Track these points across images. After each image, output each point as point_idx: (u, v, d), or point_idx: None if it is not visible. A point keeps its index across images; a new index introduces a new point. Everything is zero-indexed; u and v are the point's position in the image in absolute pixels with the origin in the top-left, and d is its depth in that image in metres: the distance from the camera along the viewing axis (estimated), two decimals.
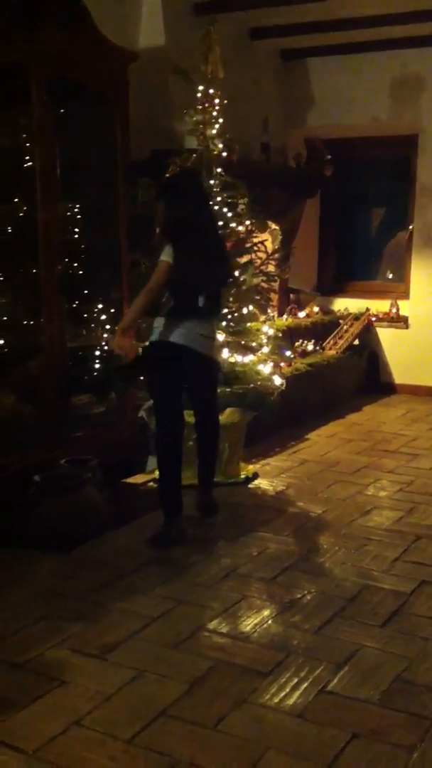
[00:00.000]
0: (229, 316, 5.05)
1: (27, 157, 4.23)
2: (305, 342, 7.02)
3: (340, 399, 7.10)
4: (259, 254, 5.28)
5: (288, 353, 6.41)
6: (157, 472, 4.23)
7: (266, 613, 3.33)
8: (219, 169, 5.00)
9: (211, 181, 4.93)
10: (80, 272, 4.65)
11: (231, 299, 5.03)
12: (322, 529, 4.28)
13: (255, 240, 5.25)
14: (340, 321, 7.61)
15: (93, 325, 4.91)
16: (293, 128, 7.65)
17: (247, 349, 5.22)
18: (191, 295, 3.98)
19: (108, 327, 4.86)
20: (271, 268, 5.36)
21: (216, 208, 4.89)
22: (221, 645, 3.07)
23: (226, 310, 5.02)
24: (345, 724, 2.58)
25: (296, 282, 7.69)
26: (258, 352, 5.27)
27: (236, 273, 5.00)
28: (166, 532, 4.00)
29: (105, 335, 4.80)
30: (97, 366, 4.80)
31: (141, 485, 4.81)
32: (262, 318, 5.70)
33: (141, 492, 4.73)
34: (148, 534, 4.03)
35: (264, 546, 4.02)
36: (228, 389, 4.95)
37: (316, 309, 7.71)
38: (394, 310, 7.69)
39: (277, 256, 5.45)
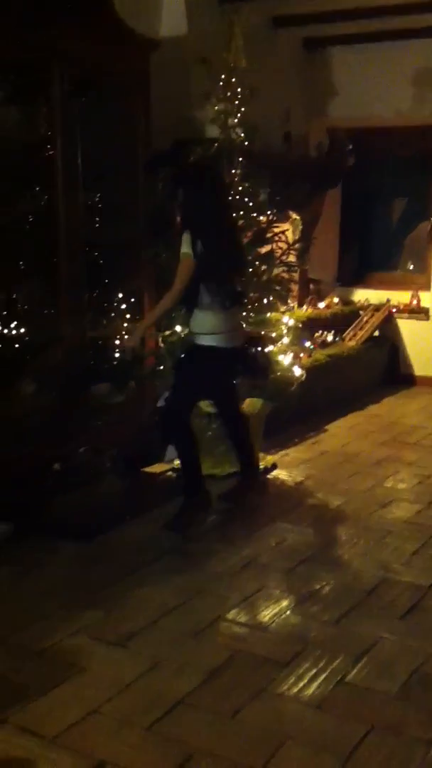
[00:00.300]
0: (250, 307, 5.04)
1: (49, 149, 4.23)
2: (325, 333, 6.98)
3: (360, 390, 7.06)
4: (280, 244, 5.25)
5: (308, 344, 6.39)
6: (176, 462, 4.27)
7: (285, 603, 3.34)
8: (240, 159, 4.98)
9: (233, 171, 4.90)
10: (101, 262, 4.65)
11: (251, 289, 5.01)
12: (341, 521, 4.28)
13: (276, 230, 5.23)
14: (361, 312, 7.56)
15: (113, 315, 4.91)
16: (315, 118, 7.58)
17: (267, 340, 5.21)
18: (224, 283, 4.04)
19: (128, 316, 4.87)
20: (291, 259, 5.33)
21: (237, 197, 4.87)
22: (240, 635, 3.08)
23: (245, 300, 5.01)
24: (363, 716, 2.58)
25: (317, 272, 7.65)
26: (278, 342, 5.26)
27: (256, 263, 5.00)
28: (178, 517, 4.03)
29: (125, 324, 4.81)
30: (116, 355, 4.82)
31: (160, 475, 4.82)
32: (283, 308, 5.69)
33: (160, 481, 4.74)
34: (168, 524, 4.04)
35: (283, 537, 4.02)
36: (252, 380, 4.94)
37: (336, 300, 7.67)
38: (414, 302, 7.63)
39: (297, 246, 5.42)
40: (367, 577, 3.59)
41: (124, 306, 4.80)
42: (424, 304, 7.62)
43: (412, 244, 8.14)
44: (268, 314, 5.22)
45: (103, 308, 4.83)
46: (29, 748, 2.40)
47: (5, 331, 4.31)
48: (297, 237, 6.03)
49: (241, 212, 4.94)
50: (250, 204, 4.98)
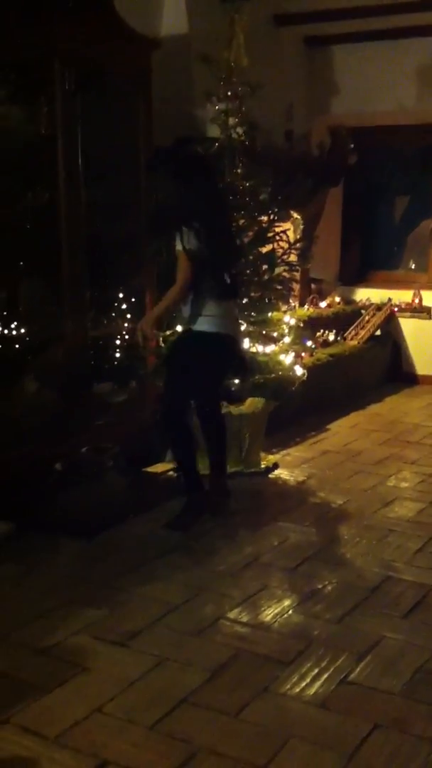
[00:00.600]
0: (249, 304, 5.03)
1: (50, 147, 4.22)
2: (327, 332, 6.98)
3: (362, 389, 7.06)
4: (282, 244, 5.25)
5: (309, 343, 6.38)
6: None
7: (287, 602, 3.33)
8: (242, 158, 4.97)
9: (234, 170, 4.90)
10: (102, 261, 4.65)
11: (253, 288, 5.01)
12: (343, 520, 4.27)
13: (277, 229, 5.22)
14: (362, 311, 7.56)
15: (114, 314, 4.91)
16: (317, 116, 7.59)
17: (268, 339, 5.21)
18: (220, 274, 4.04)
19: (129, 316, 4.87)
20: (293, 258, 5.32)
21: (238, 197, 4.87)
22: (242, 634, 3.07)
23: (246, 300, 5.01)
24: (367, 715, 2.57)
25: (318, 271, 7.65)
26: (279, 342, 5.25)
27: (258, 262, 4.99)
28: (180, 516, 4.04)
29: (126, 324, 4.81)
30: (118, 355, 4.82)
31: (161, 474, 4.82)
32: (284, 308, 5.68)
33: (162, 480, 4.73)
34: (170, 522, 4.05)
35: (285, 536, 4.02)
36: (249, 379, 4.94)
37: (337, 299, 7.67)
38: (416, 301, 7.64)
39: (299, 245, 5.42)
40: (369, 575, 3.59)
41: (125, 305, 4.80)
42: (426, 302, 7.62)
43: (414, 243, 8.15)
44: (270, 313, 5.21)
45: (105, 307, 4.84)
46: (32, 747, 2.39)
47: (6, 330, 4.31)
48: (298, 236, 6.02)
49: (242, 211, 4.94)
50: (251, 203, 4.98)
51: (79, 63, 4.17)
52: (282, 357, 5.16)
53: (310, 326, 6.73)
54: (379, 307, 7.61)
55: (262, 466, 5.02)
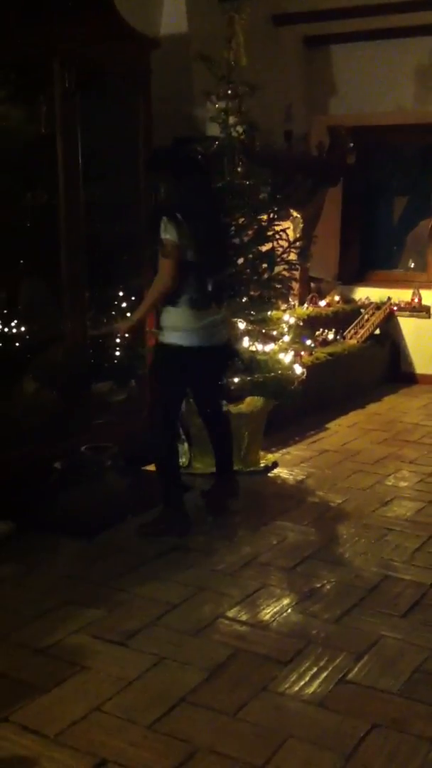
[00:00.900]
0: (251, 304, 5.04)
1: (49, 147, 4.22)
2: (326, 331, 6.99)
3: (361, 389, 7.07)
4: (281, 243, 5.25)
5: (309, 342, 6.39)
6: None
7: (286, 601, 3.33)
8: (241, 157, 4.97)
9: (235, 169, 4.90)
10: (102, 260, 4.65)
11: (252, 288, 5.02)
12: (342, 519, 4.28)
13: (277, 228, 5.22)
14: (362, 310, 7.56)
15: (114, 313, 4.91)
16: (316, 116, 7.59)
17: (268, 338, 5.21)
18: (201, 280, 3.88)
19: (129, 315, 4.87)
20: (292, 257, 5.33)
21: (238, 195, 4.87)
22: (241, 633, 3.08)
23: (245, 299, 5.01)
24: (365, 714, 2.58)
25: (318, 271, 7.65)
26: (279, 340, 5.26)
27: (257, 261, 4.99)
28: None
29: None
30: (117, 354, 4.82)
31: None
32: (284, 307, 5.68)
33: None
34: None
35: (284, 535, 4.02)
36: (248, 378, 4.94)
37: (337, 298, 7.67)
38: (416, 300, 7.63)
39: (298, 244, 5.42)
40: (368, 575, 3.59)
41: (125, 304, 4.80)
42: (425, 302, 7.62)
43: (414, 242, 8.15)
44: (269, 312, 5.22)
45: (104, 307, 4.84)
46: (31, 746, 2.40)
47: (6, 329, 4.31)
48: (298, 235, 6.03)
49: (242, 210, 4.94)
50: (251, 202, 4.98)
51: (78, 62, 4.17)
52: (281, 356, 5.16)
53: (310, 325, 6.73)
54: (378, 306, 7.62)
55: (261, 465, 5.03)
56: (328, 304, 7.48)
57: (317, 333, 6.87)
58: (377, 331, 7.44)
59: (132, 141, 4.70)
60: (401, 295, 7.73)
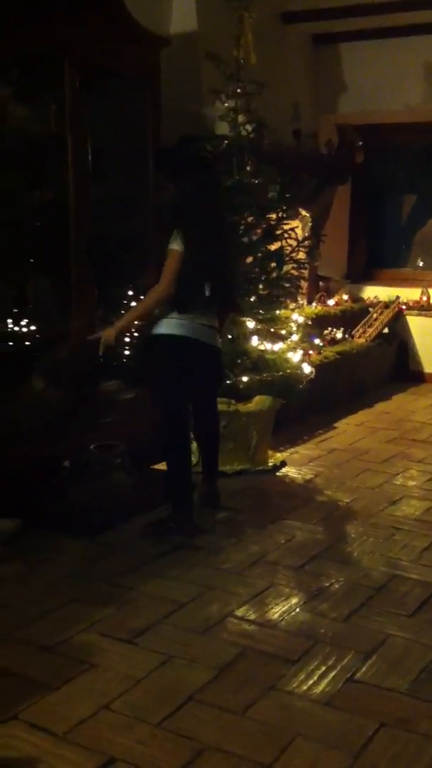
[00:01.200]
0: (259, 303, 5.04)
1: (59, 145, 4.23)
2: (334, 330, 6.98)
3: (369, 387, 7.06)
4: (290, 241, 5.25)
5: (317, 341, 6.39)
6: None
7: (294, 600, 3.34)
8: (250, 156, 4.97)
9: (243, 168, 4.90)
10: (111, 259, 4.66)
11: (261, 286, 5.02)
12: (350, 518, 4.27)
13: (285, 227, 5.22)
14: (370, 309, 7.56)
15: (122, 312, 4.91)
16: (325, 114, 7.58)
17: (276, 337, 5.21)
18: (198, 285, 3.87)
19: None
20: (301, 256, 5.33)
21: (246, 194, 4.87)
22: (249, 632, 3.08)
23: (254, 298, 5.01)
24: (373, 713, 2.58)
25: (326, 269, 7.65)
26: (287, 339, 5.26)
27: (265, 260, 5.00)
28: (165, 521, 3.96)
29: (136, 322, 4.81)
30: (126, 353, 4.82)
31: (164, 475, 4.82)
32: (292, 306, 5.68)
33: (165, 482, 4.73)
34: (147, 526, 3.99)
35: (292, 534, 4.02)
36: (257, 377, 4.95)
37: (345, 297, 7.67)
38: (424, 298, 7.62)
39: (307, 243, 5.42)
40: (376, 574, 3.59)
41: (133, 303, 4.80)
42: None
43: (422, 241, 8.14)
44: (278, 311, 5.22)
45: (113, 305, 4.84)
46: (39, 744, 2.41)
47: (15, 328, 4.31)
48: (306, 234, 6.02)
49: (251, 209, 4.94)
50: (260, 200, 4.98)
51: (88, 61, 4.18)
52: (290, 355, 5.17)
53: (318, 324, 6.73)
54: (386, 305, 7.61)
55: (270, 464, 5.02)
56: (337, 303, 7.48)
57: (325, 332, 6.87)
58: (386, 330, 7.43)
59: (141, 139, 4.70)
60: (410, 294, 7.72)
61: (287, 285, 5.19)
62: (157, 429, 4.03)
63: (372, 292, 7.90)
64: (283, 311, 5.30)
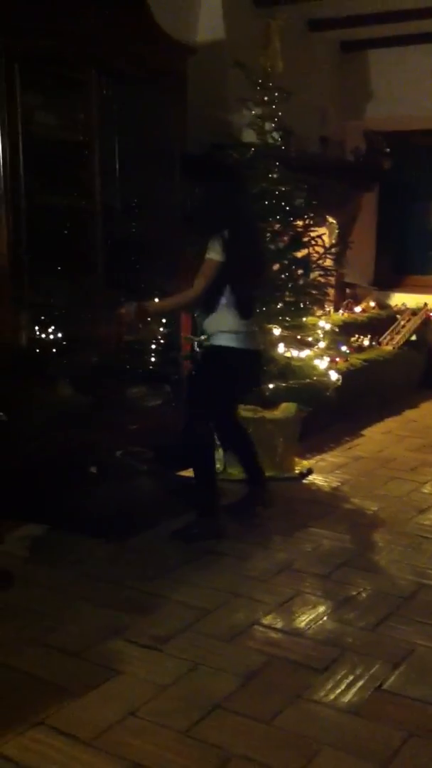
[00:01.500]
0: (286, 310, 5.03)
1: (86, 151, 4.25)
2: (361, 337, 6.95)
3: (396, 395, 7.01)
4: (317, 248, 5.24)
5: (344, 348, 6.36)
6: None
7: (321, 609, 3.31)
8: (277, 163, 4.97)
9: (270, 175, 4.90)
10: (137, 266, 4.67)
11: (288, 294, 5.01)
12: (377, 527, 4.24)
13: (312, 234, 5.21)
14: (397, 316, 7.51)
15: (149, 319, 4.92)
16: (352, 121, 7.56)
17: (303, 344, 5.20)
18: (249, 290, 3.98)
19: (164, 320, 4.88)
20: (328, 263, 5.31)
21: (274, 202, 4.87)
22: (275, 640, 3.06)
23: (281, 305, 5.00)
24: (401, 723, 2.55)
25: (353, 276, 7.62)
26: (314, 346, 5.24)
27: (293, 267, 4.99)
28: (192, 528, 3.98)
29: (161, 329, 4.82)
30: (152, 360, 4.83)
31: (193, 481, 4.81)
32: (319, 313, 5.66)
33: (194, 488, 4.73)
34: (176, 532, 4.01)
35: (318, 542, 4.00)
36: (283, 384, 4.93)
37: (372, 304, 7.63)
38: None
39: (334, 250, 5.41)
40: (404, 583, 3.56)
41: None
42: None
43: None
44: (305, 318, 5.20)
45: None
46: (65, 750, 2.41)
47: (42, 334, 4.34)
48: (333, 241, 6.01)
49: (278, 216, 4.94)
50: (287, 208, 4.97)
51: (115, 69, 4.21)
52: (317, 362, 5.15)
53: (345, 331, 6.70)
54: (414, 312, 7.56)
55: (296, 471, 5.01)
56: (364, 310, 7.44)
57: (352, 339, 6.84)
58: (413, 337, 7.38)
59: (168, 146, 4.72)
60: None
61: (314, 292, 5.18)
62: (183, 434, 4.04)
63: (399, 299, 7.86)
64: (309, 318, 5.29)
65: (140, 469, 4.14)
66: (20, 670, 2.81)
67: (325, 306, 6.49)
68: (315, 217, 5.22)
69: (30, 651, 2.94)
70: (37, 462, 3.95)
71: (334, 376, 5.23)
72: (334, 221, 6.70)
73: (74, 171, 4.31)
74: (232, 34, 5.70)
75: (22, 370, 3.96)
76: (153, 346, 4.74)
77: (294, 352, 5.08)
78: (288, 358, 5.03)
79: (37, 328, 4.31)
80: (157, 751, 2.40)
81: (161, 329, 4.79)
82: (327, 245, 5.39)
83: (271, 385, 4.85)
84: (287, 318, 5.04)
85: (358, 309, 7.39)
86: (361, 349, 6.80)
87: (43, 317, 4.38)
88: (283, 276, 4.99)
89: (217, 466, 4.64)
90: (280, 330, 4.99)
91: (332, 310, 6.97)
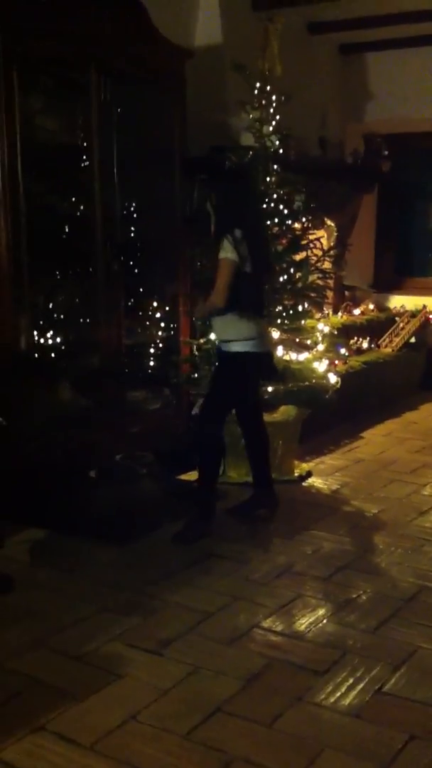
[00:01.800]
0: (284, 313, 5.03)
1: (86, 155, 4.26)
2: (360, 339, 6.96)
3: (396, 397, 7.02)
4: (315, 251, 5.24)
5: (343, 351, 6.36)
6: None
7: (321, 612, 3.31)
8: (275, 166, 4.97)
9: (268, 178, 4.90)
10: (137, 269, 4.68)
11: (286, 296, 5.01)
12: (377, 529, 4.24)
13: (311, 237, 5.22)
14: (396, 318, 7.52)
15: (148, 322, 4.93)
16: (351, 123, 7.58)
17: (302, 347, 5.20)
18: (259, 289, 4.04)
19: (163, 324, 4.89)
20: (327, 266, 5.31)
21: (272, 205, 4.87)
22: (277, 643, 3.06)
23: (279, 308, 5.00)
24: (403, 725, 2.55)
25: (352, 279, 7.63)
26: (313, 349, 5.24)
27: (291, 270, 4.99)
28: (187, 529, 4.01)
29: (160, 333, 4.83)
30: (152, 363, 4.84)
31: (195, 482, 4.81)
32: (318, 315, 5.66)
33: (195, 488, 4.72)
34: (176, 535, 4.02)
35: (319, 544, 4.00)
36: (282, 387, 4.93)
37: (371, 306, 7.63)
38: None
39: (332, 252, 5.41)
40: (405, 585, 3.56)
41: (159, 314, 4.82)
42: None
43: None
44: (304, 321, 5.20)
45: (139, 316, 4.86)
46: (66, 754, 2.40)
47: (42, 338, 4.34)
48: (332, 243, 6.01)
49: (276, 219, 4.94)
50: (285, 211, 4.98)
51: (114, 72, 4.21)
52: (315, 364, 5.15)
53: (344, 334, 6.71)
54: (413, 314, 7.56)
55: (296, 474, 5.01)
56: (363, 313, 7.45)
57: (351, 341, 6.84)
58: (412, 340, 7.38)
59: (167, 149, 4.73)
60: None
61: (313, 295, 5.18)
62: (188, 434, 4.09)
63: (398, 302, 7.87)
64: (308, 321, 5.29)
65: (141, 473, 4.14)
66: (21, 674, 2.81)
67: (324, 308, 6.49)
68: (313, 219, 5.21)
69: (31, 654, 2.94)
70: (37, 465, 3.95)
71: (333, 378, 5.23)
72: (333, 224, 6.71)
73: (74, 173, 4.32)
74: (230, 38, 5.71)
75: (22, 373, 3.97)
76: (152, 350, 4.75)
77: (293, 355, 5.08)
78: (287, 361, 5.02)
79: (36, 330, 4.32)
80: (159, 755, 2.40)
81: (160, 333, 4.79)
82: (326, 248, 5.38)
83: (270, 388, 4.85)
84: (286, 321, 5.04)
85: (357, 311, 7.40)
86: (360, 351, 6.81)
87: (42, 320, 4.38)
88: (281, 279, 4.99)
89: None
90: (278, 333, 4.99)
91: (331, 313, 6.97)
